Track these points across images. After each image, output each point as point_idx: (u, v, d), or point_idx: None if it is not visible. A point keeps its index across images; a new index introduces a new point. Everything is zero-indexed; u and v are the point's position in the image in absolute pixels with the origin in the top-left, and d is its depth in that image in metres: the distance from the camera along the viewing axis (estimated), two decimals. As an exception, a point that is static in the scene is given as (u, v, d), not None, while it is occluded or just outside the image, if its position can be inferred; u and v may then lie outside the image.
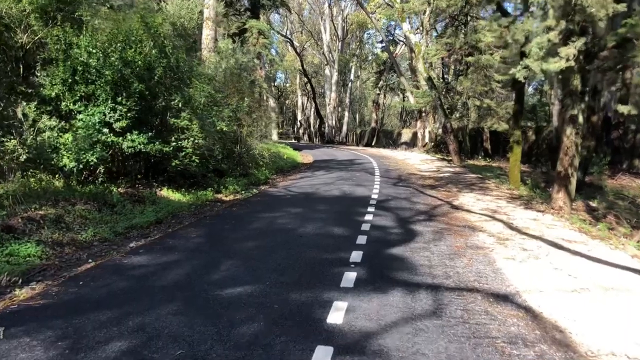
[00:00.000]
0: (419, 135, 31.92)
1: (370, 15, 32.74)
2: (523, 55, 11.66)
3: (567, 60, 6.63)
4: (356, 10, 42.64)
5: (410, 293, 4.17)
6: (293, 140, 47.01)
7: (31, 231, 6.10)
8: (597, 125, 14.51)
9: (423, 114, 31.07)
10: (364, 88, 51.40)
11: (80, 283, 4.32)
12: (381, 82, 40.98)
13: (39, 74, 8.49)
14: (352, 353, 3.01)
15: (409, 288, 4.29)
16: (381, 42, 39.65)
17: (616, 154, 19.76)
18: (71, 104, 8.44)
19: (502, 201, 10.15)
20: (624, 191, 13.54)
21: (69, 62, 8.46)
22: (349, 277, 4.51)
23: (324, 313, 3.65)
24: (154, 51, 9.28)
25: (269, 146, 18.27)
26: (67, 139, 8.20)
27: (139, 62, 8.94)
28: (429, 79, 21.44)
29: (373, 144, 39.65)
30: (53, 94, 8.36)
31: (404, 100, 41.60)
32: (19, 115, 7.91)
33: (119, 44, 8.89)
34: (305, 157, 23.28)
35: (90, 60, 8.55)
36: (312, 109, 50.19)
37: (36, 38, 9.23)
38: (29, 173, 8.01)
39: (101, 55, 8.57)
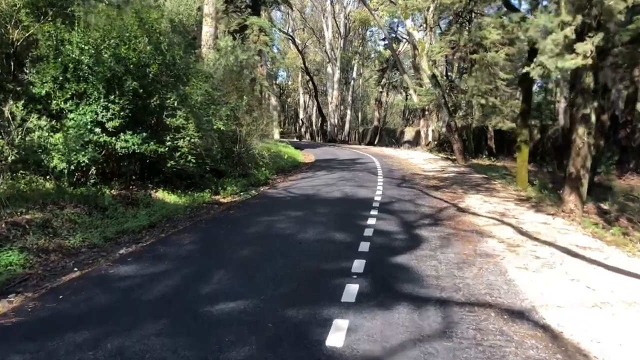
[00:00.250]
0: (422, 133, 31.52)
1: (373, 12, 32.33)
2: (533, 52, 11.31)
3: (584, 57, 6.27)
4: (359, 8, 42.22)
5: (417, 309, 3.83)
6: (295, 139, 46.69)
7: (15, 237, 5.78)
8: (606, 124, 14.15)
9: (426, 113, 30.67)
10: (366, 86, 50.97)
11: (60, 297, 4.00)
12: (384, 80, 40.54)
13: (27, 71, 8.15)
14: (354, 384, 2.68)
15: (416, 303, 3.95)
16: (384, 39, 39.24)
17: (624, 153, 19.36)
18: (62, 103, 8.10)
19: (510, 203, 9.80)
20: (634, 192, 13.16)
21: (60, 59, 8.13)
22: (351, 290, 4.18)
23: (323, 333, 3.32)
24: (148, 48, 8.94)
25: (270, 145, 17.94)
26: (58, 139, 7.88)
27: (133, 59, 8.62)
28: (433, 77, 21.06)
29: (376, 142, 39.26)
30: (43, 92, 8.03)
31: (406, 99, 41.21)
32: (6, 114, 7.59)
33: (112, 41, 8.56)
34: (306, 156, 22.93)
35: (82, 57, 8.22)
36: (314, 107, 49.82)
37: (27, 34, 8.93)
38: (19, 174, 7.70)
39: (93, 52, 8.24)
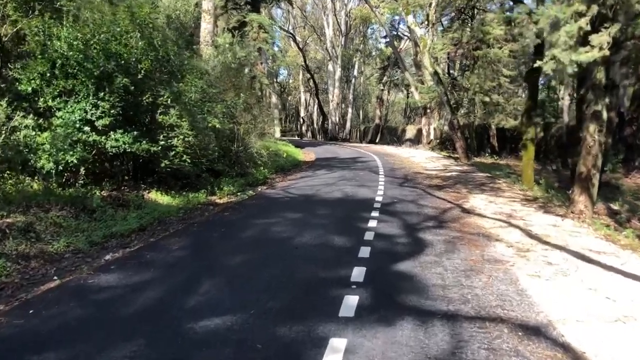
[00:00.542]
0: (424, 132, 31.12)
1: (374, 9, 31.92)
2: (540, 47, 10.95)
3: (600, 49, 5.90)
4: (359, 5, 41.80)
5: (422, 325, 3.48)
6: (296, 137, 46.35)
7: (-6, 243, 5.45)
8: (614, 122, 13.76)
9: (428, 111, 30.27)
10: (367, 84, 50.54)
11: (31, 311, 3.65)
12: (385, 78, 40.12)
13: (12, 67, 7.81)
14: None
15: (421, 317, 3.60)
16: (385, 37, 38.84)
17: (629, 151, 18.97)
18: (50, 100, 7.76)
19: (516, 204, 9.44)
20: (643, 191, 12.80)
21: (47, 55, 7.78)
22: (350, 303, 3.83)
23: (317, 355, 2.97)
24: (140, 43, 8.59)
25: (269, 144, 17.60)
26: (45, 138, 7.54)
27: (124, 55, 8.28)
28: (435, 74, 20.67)
29: (377, 140, 38.87)
30: (29, 89, 7.69)
31: (408, 97, 40.84)
32: (-10, 112, 7.26)
33: (102, 36, 8.22)
34: (307, 154, 22.57)
35: (71, 53, 7.87)
36: (315, 106, 49.43)
37: (15, 29, 8.60)
38: (6, 175, 7.37)
39: (82, 47, 7.89)
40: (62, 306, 3.75)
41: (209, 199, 9.58)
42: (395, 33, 36.91)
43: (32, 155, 7.49)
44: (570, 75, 7.86)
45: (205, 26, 17.72)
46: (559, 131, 26.46)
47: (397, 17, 36.70)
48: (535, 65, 7.01)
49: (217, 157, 11.83)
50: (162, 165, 8.80)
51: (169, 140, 8.83)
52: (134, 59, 8.39)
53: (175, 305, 3.76)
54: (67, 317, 3.51)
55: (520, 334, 3.41)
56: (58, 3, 8.66)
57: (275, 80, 49.82)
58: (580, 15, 6.01)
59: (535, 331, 3.46)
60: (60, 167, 7.47)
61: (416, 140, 32.86)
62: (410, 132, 35.51)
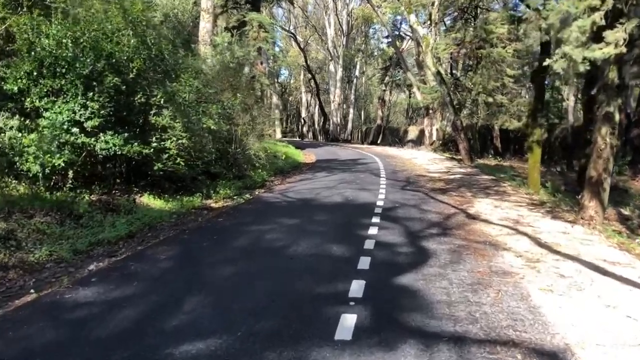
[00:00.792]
0: (426, 132, 30.76)
1: (376, 8, 31.58)
2: (546, 45, 10.61)
3: (616, 45, 5.56)
4: (361, 5, 41.48)
5: (427, 349, 3.14)
6: (297, 138, 46.04)
7: (-31, 252, 5.14)
8: (623, 123, 13.42)
9: (430, 111, 29.91)
10: (369, 84, 50.18)
11: (-4, 332, 3.33)
12: (387, 78, 39.77)
13: (-2, 66, 7.50)
14: None
15: (426, 341, 3.26)
16: (387, 37, 38.49)
17: (636, 153, 18.62)
18: (37, 101, 7.45)
19: (523, 208, 9.08)
20: (652, 195, 12.45)
21: (34, 53, 7.46)
22: (347, 323, 3.49)
23: (309, 388, 2.63)
24: (132, 41, 8.28)
25: (269, 145, 17.26)
26: (32, 140, 7.22)
27: (116, 54, 7.96)
28: (438, 74, 20.32)
29: (379, 141, 38.52)
30: (15, 88, 7.37)
31: (410, 97, 40.47)
32: (-28, 113, 6.96)
33: (93, 33, 7.90)
34: (307, 156, 22.25)
35: (60, 51, 7.56)
36: (316, 106, 49.09)
37: (3, 27, 8.29)
38: (-8, 178, 7.06)
39: (71, 45, 7.57)
40: (30, 326, 3.42)
41: (204, 203, 9.26)
42: (397, 33, 36.58)
43: (18, 157, 7.18)
44: (580, 74, 7.54)
45: (204, 25, 17.40)
46: (563, 132, 26.10)
47: (399, 17, 36.41)
48: (544, 63, 6.67)
49: (214, 159, 11.51)
50: (155, 168, 8.48)
51: (162, 142, 8.51)
52: (125, 58, 8.07)
53: (155, 326, 3.42)
54: (33, 341, 3.17)
55: (535, 360, 3.07)
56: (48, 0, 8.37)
57: (276, 80, 49.52)
58: (594, 9, 5.66)
59: (552, 358, 3.12)
60: (47, 170, 7.16)
61: (418, 142, 32.51)
62: (413, 133, 35.17)
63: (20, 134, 7.25)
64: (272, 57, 41.85)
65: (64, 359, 2.95)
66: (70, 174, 7.54)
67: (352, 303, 3.91)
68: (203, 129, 9.36)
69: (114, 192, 8.41)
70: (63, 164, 7.17)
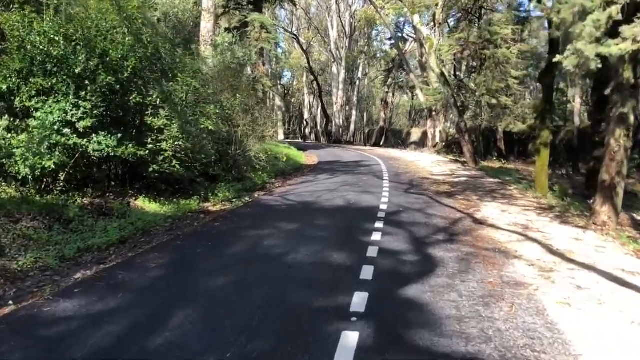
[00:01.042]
0: (429, 134, 30.45)
1: (379, 10, 31.30)
2: (554, 43, 10.28)
3: (634, 41, 5.24)
4: (364, 6, 41.21)
5: (436, 374, 2.83)
6: (299, 140, 45.75)
7: (-52, 259, 4.85)
8: (635, 124, 13.07)
9: (433, 113, 29.61)
10: (372, 86, 49.88)
11: (-38, 352, 3.03)
12: (390, 80, 39.51)
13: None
14: None
15: (435, 364, 2.95)
16: (390, 39, 38.28)
17: (644, 155, 18.31)
18: (27, 100, 7.17)
19: (531, 213, 8.76)
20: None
21: (24, 51, 7.19)
22: (348, 343, 3.18)
23: (304, 422, 2.32)
24: (127, 39, 8.00)
25: (271, 147, 16.97)
26: (21, 141, 6.94)
27: (110, 52, 7.68)
28: (442, 75, 20.01)
29: (381, 143, 38.22)
30: (5, 87, 7.11)
31: (413, 99, 40.16)
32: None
33: (86, 31, 7.63)
34: (309, 158, 21.96)
35: (52, 49, 7.29)
36: (319, 108, 48.80)
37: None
38: (-20, 181, 6.80)
39: (63, 42, 7.30)
40: (1, 345, 3.11)
41: (202, 206, 8.96)
42: (401, 35, 36.34)
43: (6, 159, 6.90)
44: (587, 74, 7.23)
45: (205, 25, 17.14)
46: (568, 135, 25.77)
47: (402, 19, 36.17)
48: (554, 59, 6.34)
49: (214, 161, 11.23)
50: (150, 170, 8.19)
51: (158, 144, 8.22)
52: (119, 56, 7.78)
53: (137, 344, 3.12)
54: (1, 363, 2.88)
55: (558, 388, 2.75)
56: (40, -4, 8.11)
57: (279, 82, 49.27)
58: (610, 3, 5.36)
59: (576, 384, 2.80)
60: (37, 173, 6.88)
61: (421, 143, 32.20)
62: (415, 135, 34.88)
63: (9, 135, 6.98)
64: (274, 59, 41.64)
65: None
66: (62, 176, 7.27)
67: (353, 319, 3.60)
68: (201, 130, 9.06)
69: (108, 195, 8.12)
70: (53, 166, 6.88)
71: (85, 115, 7.21)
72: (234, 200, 9.79)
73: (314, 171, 16.31)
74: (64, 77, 7.26)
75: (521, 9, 25.07)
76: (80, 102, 7.23)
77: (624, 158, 7.25)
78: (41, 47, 7.23)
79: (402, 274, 4.81)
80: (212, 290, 4.18)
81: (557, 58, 6.04)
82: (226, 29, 20.01)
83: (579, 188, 13.48)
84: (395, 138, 38.34)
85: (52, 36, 7.28)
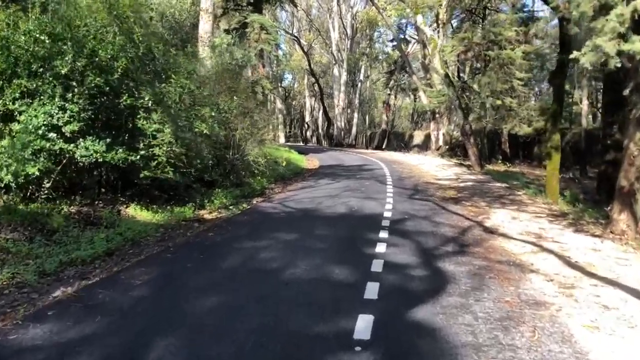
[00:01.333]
0: (433, 137, 30.02)
1: (381, 11, 30.94)
2: (565, 43, 9.87)
3: (663, 36, 4.84)
4: (366, 7, 40.89)
5: (456, 422, 2.40)
6: (300, 143, 45.41)
7: None
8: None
9: (437, 115, 29.19)
10: (374, 89, 49.51)
11: None
12: (392, 82, 39.11)
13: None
14: None
15: (453, 408, 2.52)
16: (392, 40, 37.88)
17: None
18: (10, 103, 6.78)
19: (543, 220, 8.33)
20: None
21: (7, 51, 6.80)
22: (352, 380, 2.76)
23: None
24: (118, 39, 7.61)
25: (271, 151, 16.56)
26: (4, 146, 6.55)
27: (99, 52, 7.29)
28: (446, 76, 19.60)
29: (383, 146, 37.80)
30: (-14, 89, 6.73)
31: (415, 101, 39.74)
32: None
33: (74, 29, 7.25)
34: (310, 161, 21.57)
35: (37, 49, 6.90)
36: (320, 111, 48.44)
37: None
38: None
39: (48, 41, 6.91)
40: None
41: (197, 214, 8.56)
42: (403, 36, 35.94)
43: (-11, 165, 6.51)
44: (609, 70, 6.82)
45: (203, 25, 16.80)
46: (574, 137, 25.29)
47: (404, 21, 35.78)
48: (572, 56, 5.92)
49: (211, 166, 10.84)
50: (142, 175, 7.78)
51: (151, 149, 7.81)
52: (109, 56, 7.39)
53: (109, 383, 2.70)
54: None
55: None
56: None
57: (279, 84, 48.94)
58: (637, -5, 4.95)
59: None
60: (20, 180, 6.48)
61: (424, 146, 31.79)
62: (418, 137, 34.47)
63: (-9, 140, 6.59)
64: (275, 61, 41.31)
65: None
66: (46, 183, 6.87)
67: (357, 348, 3.18)
68: (196, 134, 8.65)
69: (97, 202, 7.72)
70: (37, 173, 6.48)
71: (72, 119, 6.82)
72: (230, 207, 9.39)
73: (314, 175, 15.91)
74: (50, 79, 6.87)
75: (525, 9, 24.71)
76: (67, 104, 6.83)
77: (644, 163, 6.81)
78: (26, 46, 6.85)
79: (410, 291, 4.38)
80: (200, 314, 3.75)
81: (575, 54, 5.62)
82: (225, 30, 19.66)
83: (590, 193, 13.02)
84: (397, 141, 37.93)
85: (37, 35, 6.89)
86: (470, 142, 18.79)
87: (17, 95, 6.80)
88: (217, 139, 11.02)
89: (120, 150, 7.27)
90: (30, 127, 6.54)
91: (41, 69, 6.91)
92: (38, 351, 3.11)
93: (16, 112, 6.77)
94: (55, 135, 6.74)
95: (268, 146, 15.70)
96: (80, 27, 7.37)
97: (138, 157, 7.55)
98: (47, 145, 6.63)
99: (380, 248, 5.88)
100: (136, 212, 7.74)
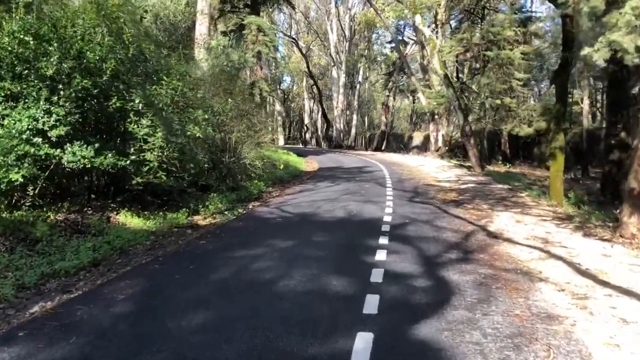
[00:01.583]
0: (432, 138, 29.72)
1: (379, 12, 30.71)
2: (569, 42, 9.61)
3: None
4: (364, 9, 40.67)
5: None
6: (300, 145, 45.14)
7: None
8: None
9: (436, 116, 28.90)
10: (372, 90, 49.29)
11: None
12: (390, 84, 38.86)
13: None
14: None
15: None
16: (390, 42, 37.68)
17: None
18: (-7, 107, 6.50)
19: (548, 223, 8.04)
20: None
21: (-8, 53, 6.54)
22: (349, 412, 2.46)
23: None
24: (107, 39, 7.33)
25: (269, 153, 16.29)
26: (-14, 151, 6.27)
27: (87, 53, 7.02)
28: (445, 77, 19.33)
29: (383, 148, 37.53)
30: (-32, 92, 6.45)
31: (414, 102, 39.51)
32: None
33: (60, 30, 6.98)
34: (309, 164, 21.30)
35: (21, 50, 6.63)
36: (319, 113, 48.19)
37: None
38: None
39: (33, 41, 6.64)
40: None
41: (191, 220, 8.28)
42: (401, 37, 35.70)
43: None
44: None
45: (199, 28, 16.57)
46: (574, 137, 25.02)
47: (402, 22, 35.53)
48: (583, 53, 5.64)
49: (206, 170, 10.57)
50: (134, 182, 7.49)
51: (142, 154, 7.52)
52: (97, 58, 7.11)
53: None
54: None
55: None
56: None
57: (278, 87, 48.70)
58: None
59: None
60: (3, 187, 6.20)
61: (423, 148, 31.50)
62: (417, 139, 34.18)
63: (-27, 145, 6.30)
64: (273, 63, 41.05)
65: None
66: (31, 190, 6.58)
67: (356, 373, 2.89)
68: (189, 137, 8.37)
69: (86, 209, 7.43)
70: (22, 179, 6.20)
71: (58, 123, 6.54)
72: (226, 212, 9.10)
73: (313, 178, 15.62)
74: (35, 81, 6.59)
75: (523, 9, 24.50)
76: (52, 107, 6.55)
77: (654, 164, 6.53)
78: (10, 48, 6.58)
79: (412, 305, 4.09)
80: (185, 333, 3.46)
81: (586, 51, 5.34)
82: (222, 32, 19.42)
83: (594, 194, 12.74)
84: (396, 142, 37.66)
85: (21, 36, 6.62)
86: (471, 143, 18.52)
87: (0, 98, 6.54)
88: (212, 142, 10.76)
89: (110, 155, 6.98)
90: (14, 131, 6.27)
91: (26, 71, 6.65)
92: (4, 379, 2.83)
93: (1, 116, 6.51)
94: (40, 140, 6.46)
95: (266, 149, 15.44)
96: (68, 27, 7.10)
97: (128, 162, 7.27)
98: (32, 150, 6.35)
99: (380, 256, 5.59)
100: (127, 219, 7.45)
